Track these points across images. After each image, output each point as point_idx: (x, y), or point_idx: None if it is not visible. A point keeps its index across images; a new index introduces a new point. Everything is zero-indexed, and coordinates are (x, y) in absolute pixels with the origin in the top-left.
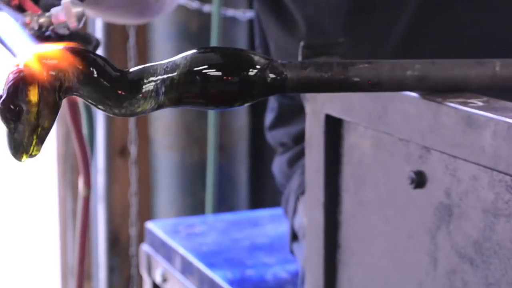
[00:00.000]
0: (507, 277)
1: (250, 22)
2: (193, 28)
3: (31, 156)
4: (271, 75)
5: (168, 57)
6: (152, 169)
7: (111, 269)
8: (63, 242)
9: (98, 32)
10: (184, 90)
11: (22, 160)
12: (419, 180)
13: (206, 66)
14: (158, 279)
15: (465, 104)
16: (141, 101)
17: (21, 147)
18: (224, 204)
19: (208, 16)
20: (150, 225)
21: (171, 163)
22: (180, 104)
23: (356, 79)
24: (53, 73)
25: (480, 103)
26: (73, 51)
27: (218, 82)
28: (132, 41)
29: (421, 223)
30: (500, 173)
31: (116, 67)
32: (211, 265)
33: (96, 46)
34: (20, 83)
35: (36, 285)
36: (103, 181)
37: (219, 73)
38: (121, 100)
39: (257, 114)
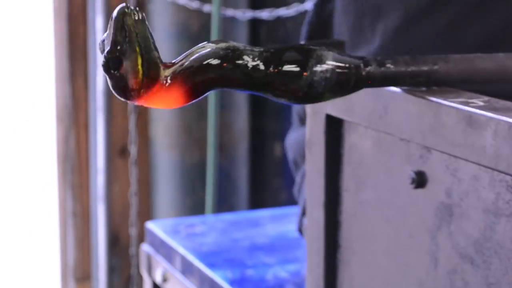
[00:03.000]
0: (507, 277)
1: (250, 22)
2: (193, 28)
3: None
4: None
5: (168, 57)
6: (152, 169)
7: (111, 269)
8: (63, 243)
9: (99, 32)
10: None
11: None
12: (420, 180)
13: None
14: (158, 279)
15: (466, 104)
16: None
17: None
18: (224, 204)
19: (208, 16)
20: (150, 225)
21: (171, 163)
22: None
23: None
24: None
25: (481, 103)
26: None
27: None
28: None
29: (422, 223)
30: (500, 173)
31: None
32: (211, 265)
33: None
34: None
35: (36, 285)
36: (103, 181)
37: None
38: None
39: (257, 115)
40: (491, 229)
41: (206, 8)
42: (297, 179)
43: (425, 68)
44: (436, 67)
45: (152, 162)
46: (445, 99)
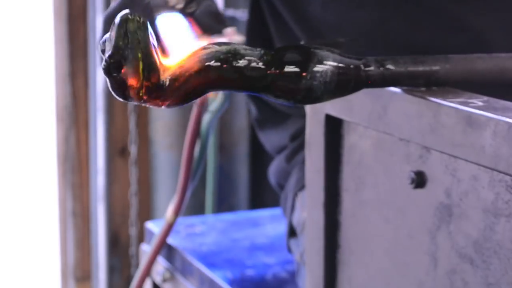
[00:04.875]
0: (507, 277)
1: None
2: None
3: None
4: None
5: None
6: (152, 169)
7: (111, 269)
8: (63, 243)
9: (99, 32)
10: None
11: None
12: (419, 180)
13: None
14: (158, 279)
15: (465, 104)
16: None
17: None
18: (224, 204)
19: None
20: (150, 225)
21: (171, 163)
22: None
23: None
24: None
25: (480, 103)
26: None
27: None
28: None
29: (421, 223)
30: (500, 173)
31: None
32: (211, 265)
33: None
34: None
35: (36, 285)
36: (103, 181)
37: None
38: None
39: None
40: (490, 229)
41: None
42: (282, 199)
43: (425, 68)
44: (436, 67)
45: (152, 162)
46: (444, 99)
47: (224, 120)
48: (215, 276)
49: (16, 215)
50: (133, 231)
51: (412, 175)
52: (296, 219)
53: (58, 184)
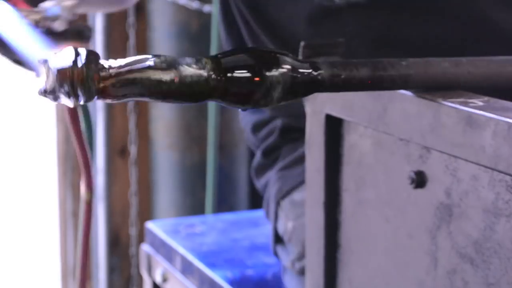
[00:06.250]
0: (507, 277)
1: None
2: (193, 28)
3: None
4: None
5: None
6: (152, 169)
7: (111, 269)
8: (63, 243)
9: (98, 33)
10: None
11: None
12: (420, 180)
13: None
14: (158, 279)
15: (465, 104)
16: None
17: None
18: (224, 204)
19: (208, 16)
20: (150, 225)
21: (171, 163)
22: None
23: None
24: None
25: (481, 103)
26: None
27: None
28: (132, 41)
29: (422, 223)
30: (500, 173)
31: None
32: (211, 265)
33: (89, 37)
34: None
35: (36, 285)
36: (103, 181)
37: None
38: None
39: None
40: (490, 229)
41: (206, 8)
42: (264, 203)
43: (381, 72)
44: (393, 71)
45: (152, 162)
46: (444, 99)
47: (224, 120)
48: (215, 276)
49: (17, 215)
50: (133, 231)
51: (412, 175)
52: (282, 228)
53: (58, 184)
